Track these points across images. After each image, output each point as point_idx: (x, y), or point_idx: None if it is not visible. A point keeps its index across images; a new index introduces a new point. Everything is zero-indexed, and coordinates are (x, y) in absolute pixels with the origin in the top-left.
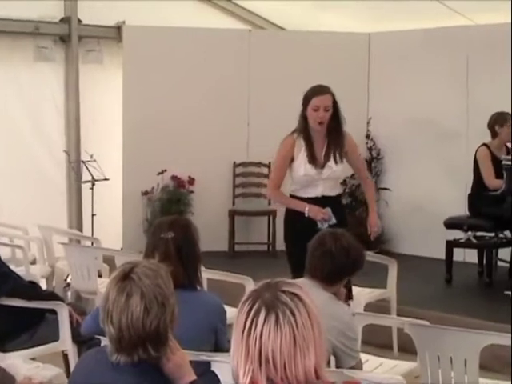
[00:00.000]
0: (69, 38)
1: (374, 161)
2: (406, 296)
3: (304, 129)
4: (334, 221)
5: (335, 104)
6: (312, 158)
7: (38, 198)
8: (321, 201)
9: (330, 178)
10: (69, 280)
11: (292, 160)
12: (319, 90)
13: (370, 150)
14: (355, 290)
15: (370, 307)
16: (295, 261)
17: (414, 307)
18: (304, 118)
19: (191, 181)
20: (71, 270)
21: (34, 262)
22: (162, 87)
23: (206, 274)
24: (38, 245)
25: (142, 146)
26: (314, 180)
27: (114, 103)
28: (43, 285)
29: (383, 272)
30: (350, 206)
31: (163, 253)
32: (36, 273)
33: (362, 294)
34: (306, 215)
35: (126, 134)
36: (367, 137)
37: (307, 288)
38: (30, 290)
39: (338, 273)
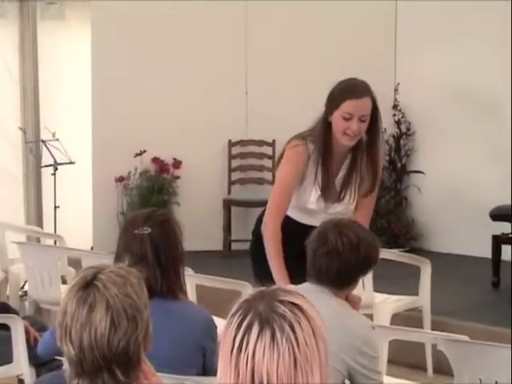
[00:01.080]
0: None
1: (402, 137)
2: (443, 304)
3: (324, 142)
4: None
5: (375, 111)
6: (327, 186)
7: None
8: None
9: (337, 214)
10: (26, 288)
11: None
12: (355, 90)
13: (397, 123)
14: (379, 297)
15: (398, 319)
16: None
17: (452, 318)
18: (326, 124)
19: (177, 164)
20: (29, 276)
21: None
22: (140, 49)
23: (194, 280)
24: None
25: (116, 121)
26: (317, 213)
27: (81, 69)
28: None
29: (414, 275)
30: None
31: (136, 254)
32: None
33: (388, 303)
34: None
35: (96, 106)
36: (394, 107)
37: (313, 295)
38: None
39: (349, 273)
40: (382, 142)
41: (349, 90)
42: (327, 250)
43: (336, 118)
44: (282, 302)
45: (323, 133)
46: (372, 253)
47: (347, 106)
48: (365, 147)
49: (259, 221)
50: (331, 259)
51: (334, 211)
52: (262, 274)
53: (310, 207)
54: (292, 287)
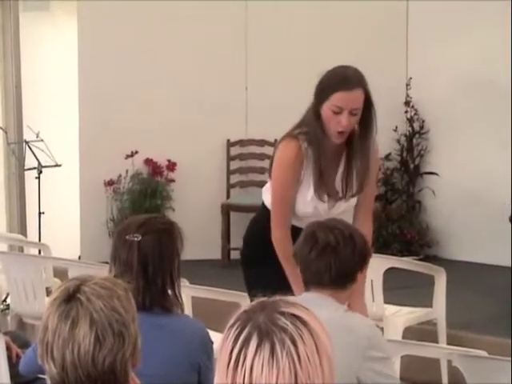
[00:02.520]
0: None
1: (415, 136)
2: (459, 317)
3: (316, 136)
4: None
5: (368, 101)
6: (325, 187)
7: None
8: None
9: (340, 213)
10: (8, 301)
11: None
12: (346, 81)
13: (410, 121)
14: (390, 309)
15: (411, 332)
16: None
17: (468, 332)
18: (317, 115)
19: (171, 166)
20: (11, 288)
21: None
22: (130, 42)
23: (190, 291)
24: None
25: (105, 120)
26: (318, 216)
27: (67, 63)
28: None
29: (428, 285)
30: (384, 198)
31: (123, 262)
32: None
33: (400, 316)
34: None
35: (84, 104)
36: (406, 104)
37: (317, 304)
38: None
39: (349, 268)
40: (374, 129)
41: (339, 80)
42: (321, 249)
43: (325, 111)
44: (283, 313)
45: (318, 127)
46: (366, 244)
47: (337, 99)
48: (360, 138)
49: (252, 225)
50: (328, 257)
51: (339, 211)
52: (253, 282)
53: (319, 208)
54: (293, 298)
